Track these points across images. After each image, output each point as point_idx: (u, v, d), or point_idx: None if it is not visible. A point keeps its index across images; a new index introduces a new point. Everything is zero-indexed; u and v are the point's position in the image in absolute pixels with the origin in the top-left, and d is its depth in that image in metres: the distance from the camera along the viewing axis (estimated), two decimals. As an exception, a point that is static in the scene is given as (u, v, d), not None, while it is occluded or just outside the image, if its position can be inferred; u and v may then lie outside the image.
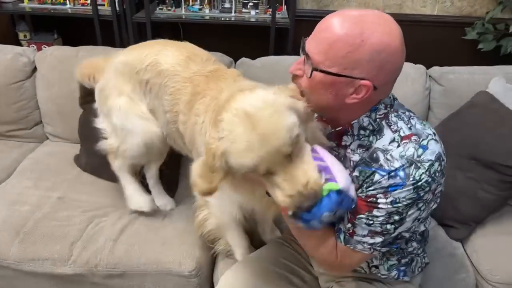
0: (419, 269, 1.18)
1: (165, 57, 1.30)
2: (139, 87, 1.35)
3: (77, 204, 1.58)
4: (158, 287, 1.42)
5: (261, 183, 0.92)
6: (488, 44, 2.24)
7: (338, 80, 0.90)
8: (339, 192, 0.86)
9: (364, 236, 0.98)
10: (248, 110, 0.85)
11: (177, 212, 1.59)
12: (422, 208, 0.95)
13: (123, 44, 2.28)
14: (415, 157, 0.92)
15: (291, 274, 1.23)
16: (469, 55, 2.32)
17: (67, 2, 2.33)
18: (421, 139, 0.94)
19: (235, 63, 1.91)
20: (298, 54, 0.98)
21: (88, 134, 1.75)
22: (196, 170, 0.94)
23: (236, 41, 2.25)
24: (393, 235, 0.97)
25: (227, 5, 2.25)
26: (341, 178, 0.88)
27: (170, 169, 1.69)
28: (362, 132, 0.99)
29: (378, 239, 0.97)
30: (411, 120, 0.98)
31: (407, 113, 1.01)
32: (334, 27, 0.88)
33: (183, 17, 2.25)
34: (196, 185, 0.94)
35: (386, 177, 0.92)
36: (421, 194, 0.92)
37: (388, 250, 1.04)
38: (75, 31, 2.43)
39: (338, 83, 0.91)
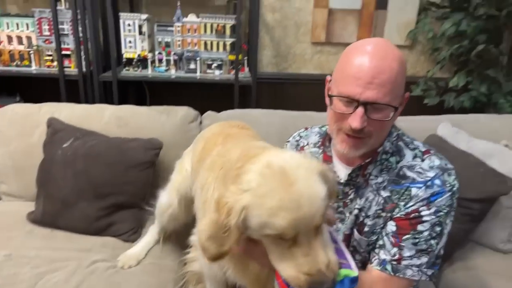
0: None
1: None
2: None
3: (26, 261, 1.44)
4: None
5: (264, 253, 0.81)
6: (433, 99, 2.48)
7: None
8: (354, 279, 0.80)
9: (411, 257, 0.96)
10: (284, 166, 0.76)
11: (141, 265, 1.47)
12: (452, 220, 0.98)
13: (88, 102, 2.29)
14: (443, 165, 0.98)
15: None
16: (417, 110, 2.51)
17: (32, 65, 2.37)
18: (435, 153, 1.02)
19: (201, 115, 1.96)
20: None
21: (48, 178, 1.68)
22: (204, 231, 0.81)
23: (201, 98, 2.33)
24: (435, 251, 0.98)
25: (192, 66, 2.38)
26: (354, 264, 0.83)
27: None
28: (384, 156, 1.03)
29: (424, 259, 0.97)
30: (414, 141, 1.07)
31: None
32: (385, 67, 0.90)
33: (149, 77, 2.34)
34: (205, 250, 0.81)
35: (423, 188, 0.96)
36: (454, 201, 0.97)
37: (433, 273, 1.00)
38: (38, 90, 2.42)
39: (400, 107, 0.98)
